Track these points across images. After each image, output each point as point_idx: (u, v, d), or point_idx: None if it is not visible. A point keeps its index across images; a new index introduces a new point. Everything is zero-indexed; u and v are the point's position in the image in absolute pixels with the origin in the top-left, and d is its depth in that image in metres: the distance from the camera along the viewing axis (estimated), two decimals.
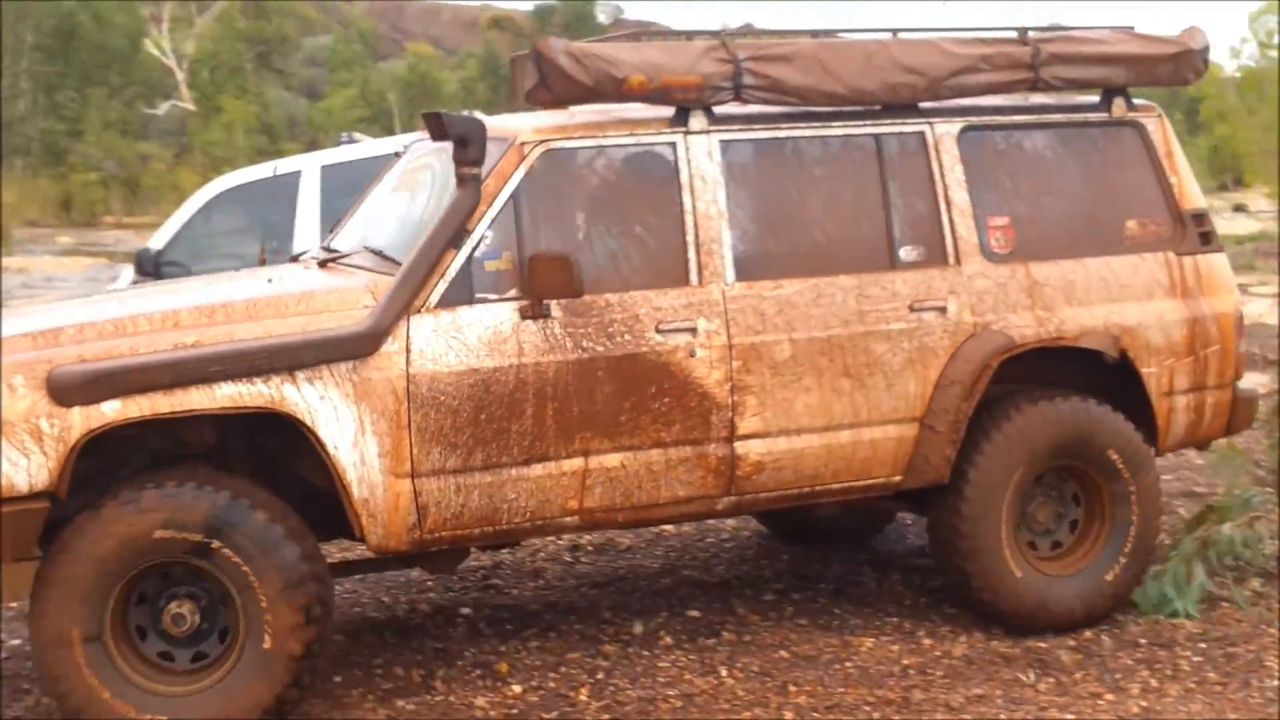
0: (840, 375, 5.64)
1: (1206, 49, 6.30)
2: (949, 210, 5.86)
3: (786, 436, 5.61)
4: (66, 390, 4.72)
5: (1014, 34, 6.02)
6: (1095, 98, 6.26)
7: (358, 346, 5.07)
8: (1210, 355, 6.17)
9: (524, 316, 5.28)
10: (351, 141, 9.72)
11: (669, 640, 6.01)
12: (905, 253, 5.81)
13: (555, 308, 5.32)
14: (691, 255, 5.53)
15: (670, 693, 5.44)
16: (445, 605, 6.63)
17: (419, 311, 5.19)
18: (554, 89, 5.43)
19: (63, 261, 29.53)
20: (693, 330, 5.47)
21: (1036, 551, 6.05)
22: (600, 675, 5.62)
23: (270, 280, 5.67)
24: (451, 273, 5.26)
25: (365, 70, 59.37)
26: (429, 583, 6.99)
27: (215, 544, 4.89)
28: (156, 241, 9.33)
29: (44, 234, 37.34)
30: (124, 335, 4.96)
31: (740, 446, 5.56)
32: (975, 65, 5.87)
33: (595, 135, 5.53)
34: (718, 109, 5.66)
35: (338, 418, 5.06)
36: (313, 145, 51.67)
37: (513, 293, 5.30)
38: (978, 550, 5.83)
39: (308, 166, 9.22)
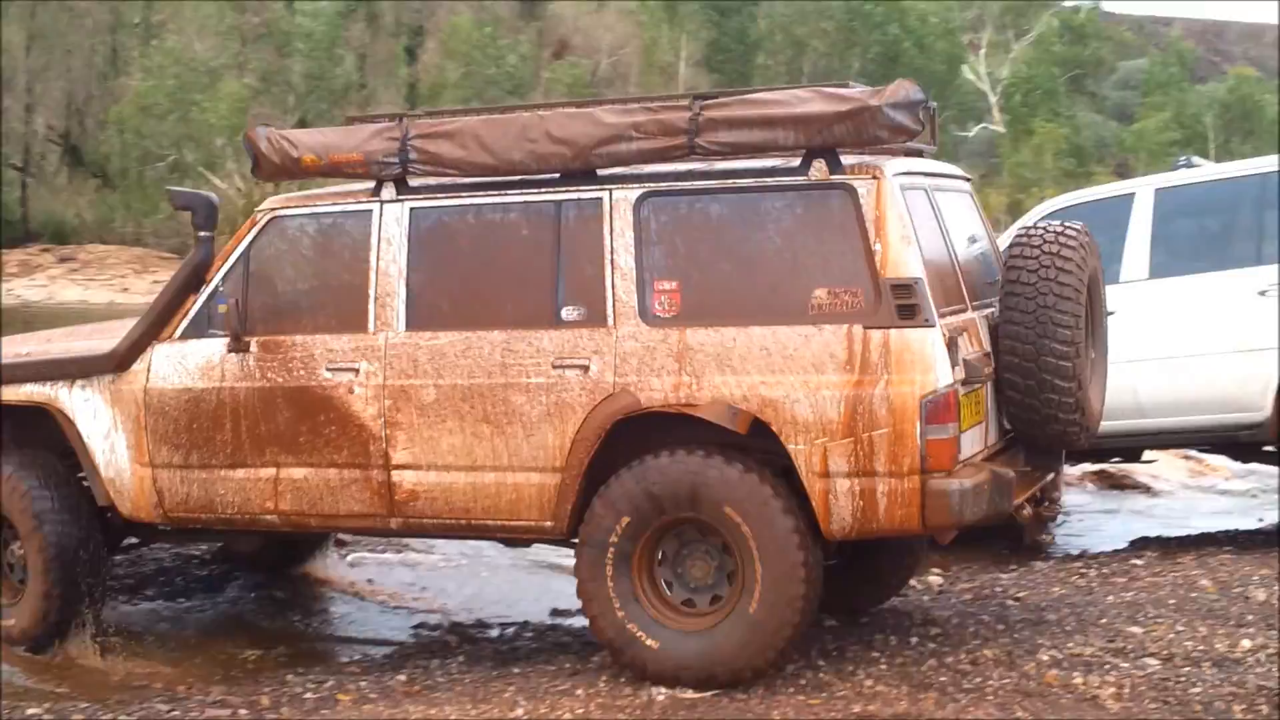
0: (481, 421, 6.03)
1: (903, 104, 5.60)
2: (613, 273, 5.92)
3: (435, 471, 6.13)
4: None
5: (684, 101, 5.92)
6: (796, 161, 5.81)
7: (108, 365, 6.68)
8: (877, 439, 5.50)
9: (229, 350, 6.44)
10: (1189, 165, 9.46)
11: None
12: (567, 312, 5.98)
13: (254, 344, 6.41)
14: (371, 307, 6.27)
15: None
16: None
17: (163, 340, 6.62)
18: (262, 167, 6.54)
19: None
20: (355, 370, 6.23)
21: (695, 607, 5.84)
22: None
23: None
24: (191, 313, 6.60)
25: (1181, 93, 57.60)
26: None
27: None
28: None
29: None
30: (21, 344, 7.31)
31: (396, 475, 6.19)
32: (625, 134, 5.88)
33: (312, 205, 6.57)
34: (417, 181, 6.29)
35: (96, 416, 6.71)
36: (1121, 168, 50.95)
37: None
38: (588, 594, 5.87)
39: (1141, 190, 9.12)
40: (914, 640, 6.44)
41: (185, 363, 6.56)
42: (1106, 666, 5.93)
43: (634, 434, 5.82)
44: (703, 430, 5.75)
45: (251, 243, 6.59)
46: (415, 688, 6.11)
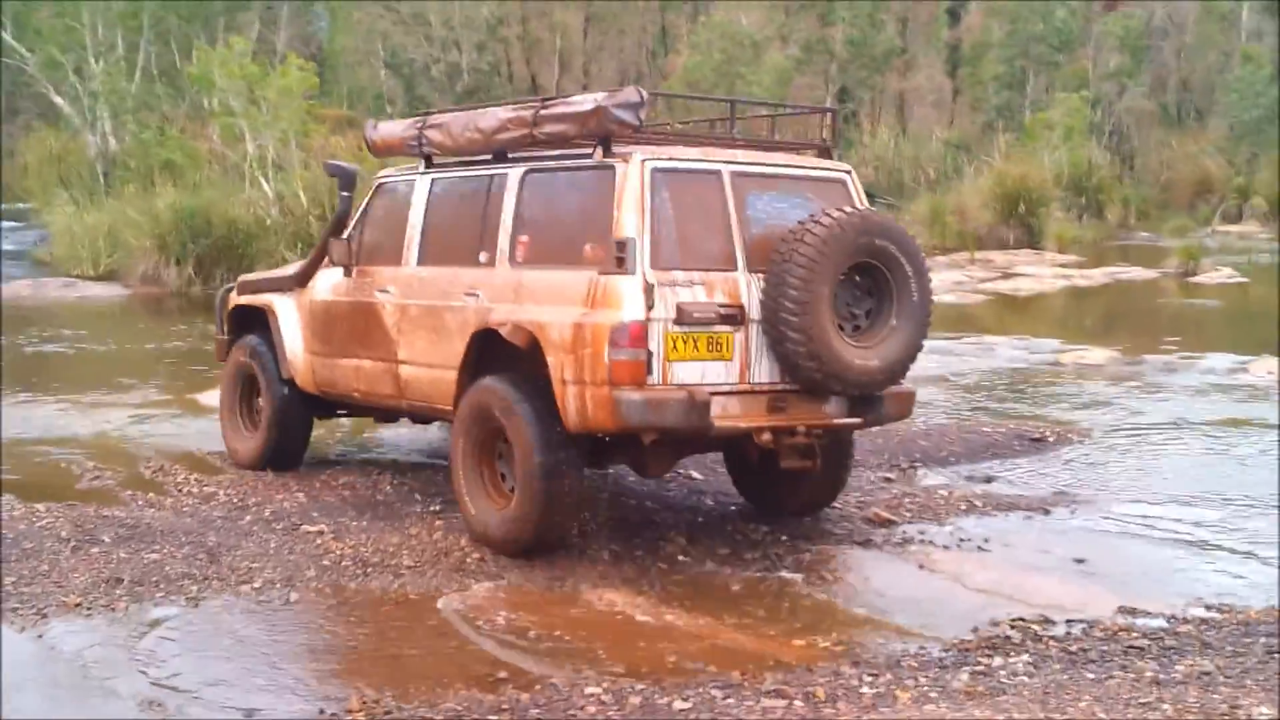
0: (432, 331, 8.36)
1: (625, 105, 7.41)
2: (500, 229, 8.06)
3: (415, 366, 8.55)
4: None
5: (536, 104, 7.92)
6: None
7: (294, 283, 9.72)
8: (585, 356, 7.25)
9: (343, 275, 9.27)
10: None
11: None
12: (481, 256, 8.16)
13: (354, 272, 9.17)
14: (404, 248, 8.81)
15: None
16: None
17: (323, 267, 9.47)
18: (369, 147, 9.49)
19: None
20: (387, 292, 8.83)
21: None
22: None
23: None
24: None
25: None
26: None
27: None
28: None
29: None
30: (278, 270, 10.62)
31: (400, 368, 8.67)
32: (505, 126, 8.01)
33: (395, 175, 9.24)
34: (436, 159, 8.89)
35: (287, 317, 9.67)
36: None
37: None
38: (451, 465, 8.20)
39: None
40: None
41: (328, 283, 9.42)
42: None
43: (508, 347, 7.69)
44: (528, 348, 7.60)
45: (366, 199, 9.39)
46: (979, 688, 5.70)
